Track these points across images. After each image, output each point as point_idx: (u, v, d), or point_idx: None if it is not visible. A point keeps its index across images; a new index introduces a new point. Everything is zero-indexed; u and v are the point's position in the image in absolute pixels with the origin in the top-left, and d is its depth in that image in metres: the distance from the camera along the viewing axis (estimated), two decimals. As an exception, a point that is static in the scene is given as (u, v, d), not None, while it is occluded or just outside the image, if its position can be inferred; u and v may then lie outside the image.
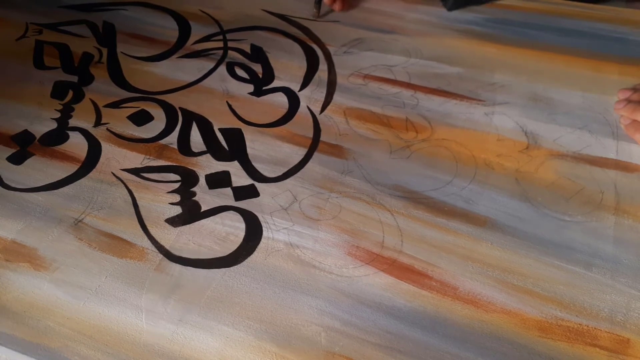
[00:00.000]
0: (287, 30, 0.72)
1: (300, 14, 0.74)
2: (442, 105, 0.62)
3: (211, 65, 0.68)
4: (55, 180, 0.56)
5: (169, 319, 0.46)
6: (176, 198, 0.54)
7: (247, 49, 0.70)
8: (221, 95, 0.64)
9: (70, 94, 0.65)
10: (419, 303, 0.46)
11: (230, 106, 0.63)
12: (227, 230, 0.52)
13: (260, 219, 0.52)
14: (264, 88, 0.65)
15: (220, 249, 0.50)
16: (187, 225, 0.52)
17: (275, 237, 0.51)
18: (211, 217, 0.53)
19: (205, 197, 0.54)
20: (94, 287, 0.48)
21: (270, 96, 0.64)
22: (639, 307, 0.46)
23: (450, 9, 0.71)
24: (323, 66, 0.67)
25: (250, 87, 0.65)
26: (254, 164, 0.57)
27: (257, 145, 0.59)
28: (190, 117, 0.62)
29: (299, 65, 0.67)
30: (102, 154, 0.58)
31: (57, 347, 0.45)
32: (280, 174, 0.56)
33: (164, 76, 0.66)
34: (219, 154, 0.58)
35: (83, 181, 0.56)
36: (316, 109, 0.62)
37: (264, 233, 0.51)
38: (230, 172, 0.56)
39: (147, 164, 0.57)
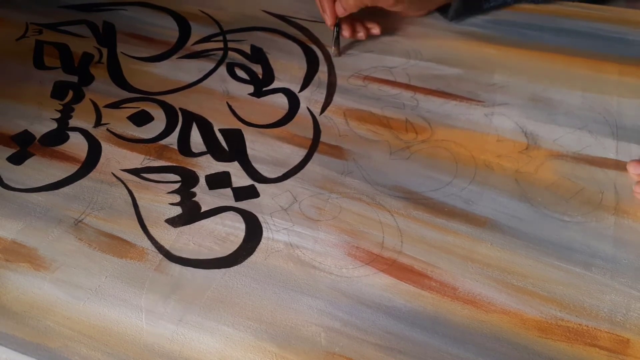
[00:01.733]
0: (287, 31, 0.72)
1: (300, 15, 0.74)
2: (442, 106, 0.62)
3: (211, 65, 0.68)
4: (55, 180, 0.56)
5: (169, 319, 0.46)
6: (176, 198, 0.54)
7: (247, 49, 0.70)
8: (221, 96, 0.64)
9: (70, 94, 0.65)
10: (418, 303, 0.46)
11: (230, 107, 0.63)
12: (227, 231, 0.52)
13: (260, 219, 0.52)
14: (264, 89, 0.65)
15: (220, 249, 0.50)
16: (187, 226, 0.52)
17: (275, 238, 0.51)
18: (211, 218, 0.53)
19: (205, 198, 0.54)
20: (94, 287, 0.48)
21: (270, 97, 0.64)
22: (638, 307, 0.46)
23: (451, 19, 0.71)
24: (323, 67, 0.67)
25: (250, 88, 0.65)
26: (254, 164, 0.57)
27: (257, 145, 0.59)
28: (191, 117, 0.62)
29: (299, 66, 0.67)
30: (102, 154, 0.58)
31: (57, 347, 0.45)
32: (280, 174, 0.56)
33: (164, 76, 0.66)
34: (219, 155, 0.58)
35: (83, 181, 0.56)
36: (316, 110, 0.62)
37: (264, 233, 0.51)
38: (230, 172, 0.56)
39: (147, 165, 0.57)
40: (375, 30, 0.68)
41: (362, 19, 0.68)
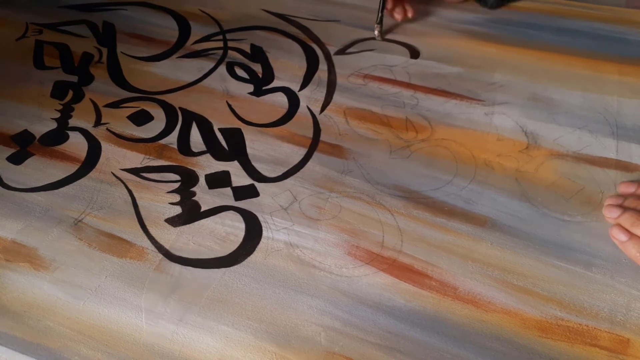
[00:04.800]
0: (286, 30, 0.72)
1: (300, 14, 0.74)
2: (442, 105, 0.62)
3: (211, 65, 0.68)
4: (55, 180, 0.56)
5: (169, 319, 0.46)
6: (176, 198, 0.54)
7: (247, 48, 0.70)
8: (221, 95, 0.64)
9: (70, 94, 0.65)
10: (418, 303, 0.46)
11: (230, 106, 0.63)
12: (227, 230, 0.52)
13: (260, 218, 0.52)
14: (263, 88, 0.65)
15: (220, 249, 0.50)
16: (187, 225, 0.52)
17: (275, 237, 0.51)
18: (211, 217, 0.53)
19: (205, 197, 0.54)
20: (94, 287, 0.48)
21: (270, 96, 0.64)
22: (639, 307, 0.46)
23: (491, 7, 0.72)
24: (323, 66, 0.67)
25: (250, 87, 0.65)
26: (253, 163, 0.57)
27: (257, 145, 0.59)
28: (190, 117, 0.62)
29: (299, 65, 0.67)
30: (102, 153, 0.58)
31: (57, 347, 0.45)
32: (280, 173, 0.56)
33: (164, 76, 0.66)
34: (219, 154, 0.58)
35: (83, 181, 0.56)
36: (316, 109, 0.62)
37: (264, 233, 0.51)
38: (230, 172, 0.56)
39: (147, 164, 0.57)
40: (410, 14, 0.71)
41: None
